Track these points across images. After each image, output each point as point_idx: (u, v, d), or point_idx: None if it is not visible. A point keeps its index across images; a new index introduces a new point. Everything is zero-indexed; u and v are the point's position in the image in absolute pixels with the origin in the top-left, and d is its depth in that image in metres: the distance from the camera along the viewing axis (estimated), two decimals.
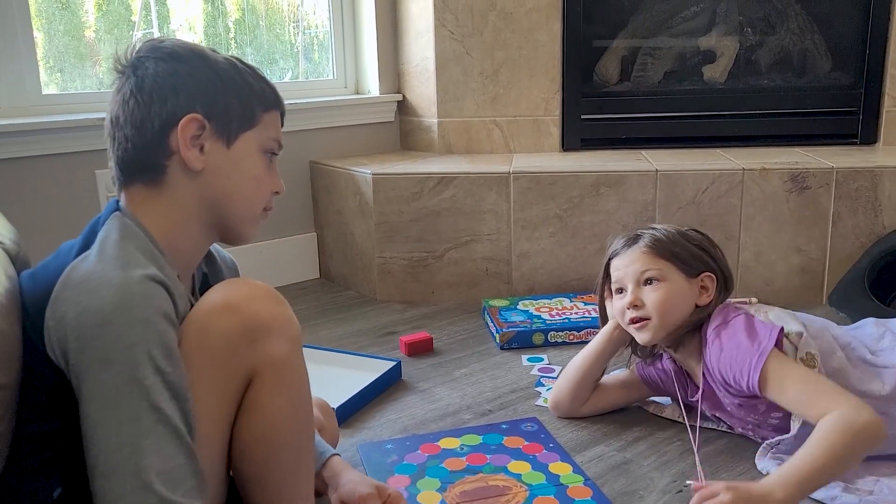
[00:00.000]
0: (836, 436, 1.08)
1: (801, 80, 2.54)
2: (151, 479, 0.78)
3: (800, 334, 1.24)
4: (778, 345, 1.22)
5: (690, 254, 1.33)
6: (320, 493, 1.15)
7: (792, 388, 1.18)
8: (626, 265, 1.34)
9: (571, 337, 1.90)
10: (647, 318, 1.31)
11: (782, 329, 1.23)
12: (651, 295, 1.31)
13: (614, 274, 1.37)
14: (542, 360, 1.81)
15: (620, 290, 1.36)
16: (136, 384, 0.79)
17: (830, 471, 1.08)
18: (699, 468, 1.28)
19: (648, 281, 1.32)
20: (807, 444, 1.10)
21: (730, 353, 1.24)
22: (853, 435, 1.08)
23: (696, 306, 1.32)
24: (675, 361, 1.41)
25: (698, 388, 1.36)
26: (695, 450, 1.33)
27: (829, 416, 1.11)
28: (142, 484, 0.77)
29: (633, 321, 1.33)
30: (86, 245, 0.88)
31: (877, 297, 1.95)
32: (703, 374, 1.31)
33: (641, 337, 1.34)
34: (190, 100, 0.92)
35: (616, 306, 1.37)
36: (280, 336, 0.90)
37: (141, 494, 0.77)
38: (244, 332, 0.88)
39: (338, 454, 1.14)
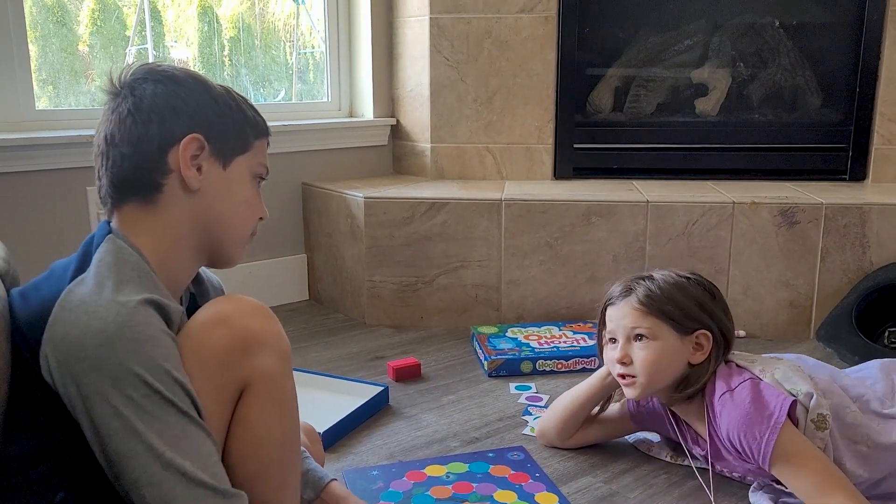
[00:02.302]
0: None
1: (791, 116, 2.57)
2: (199, 475, 0.81)
3: (809, 395, 1.22)
4: (789, 412, 1.21)
5: (684, 311, 1.29)
6: None
7: (803, 477, 1.18)
8: (619, 318, 1.32)
9: (560, 366, 1.90)
10: (635, 376, 1.30)
11: (795, 402, 1.22)
12: (639, 353, 1.29)
13: (608, 323, 1.35)
14: (529, 388, 1.80)
15: (613, 340, 1.34)
16: (159, 395, 0.81)
17: None
18: None
19: (639, 337, 1.30)
20: None
21: (739, 425, 1.21)
22: None
23: (690, 364, 1.30)
24: (666, 407, 1.40)
25: (698, 436, 1.35)
26: (711, 499, 1.31)
27: None
28: (192, 481, 0.80)
29: (621, 376, 1.32)
30: (82, 266, 0.88)
31: (864, 334, 1.96)
32: (711, 436, 1.30)
33: (629, 393, 1.32)
34: (189, 120, 0.93)
35: (608, 356, 1.35)
36: (271, 350, 0.92)
37: (195, 491, 0.80)
38: (237, 345, 0.89)
39: (336, 479, 1.13)
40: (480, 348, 1.96)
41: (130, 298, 0.83)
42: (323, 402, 1.68)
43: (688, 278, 1.34)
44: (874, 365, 1.40)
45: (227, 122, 0.97)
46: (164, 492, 0.80)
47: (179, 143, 0.92)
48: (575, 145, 2.47)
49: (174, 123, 0.93)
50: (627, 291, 1.33)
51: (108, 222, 0.95)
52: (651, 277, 1.34)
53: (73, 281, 0.86)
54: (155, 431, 0.80)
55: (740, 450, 1.23)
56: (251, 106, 1.01)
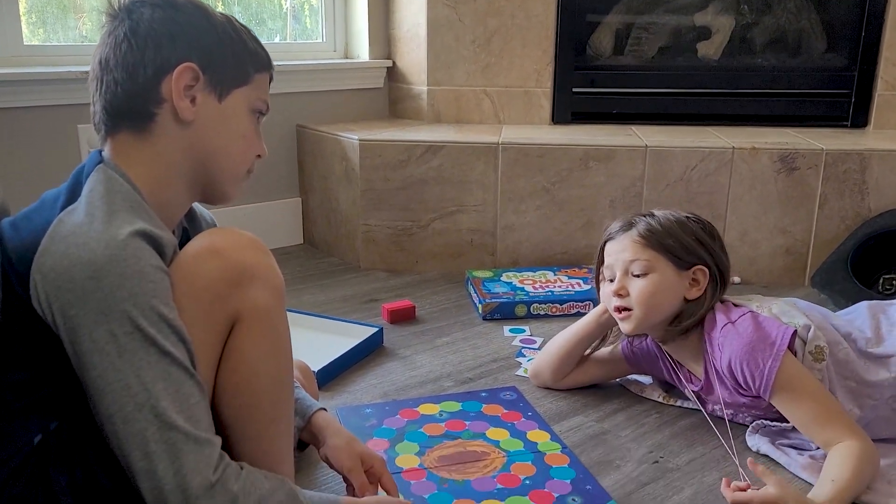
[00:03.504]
0: (862, 465, 1.13)
1: (795, 61, 2.52)
2: (173, 417, 0.80)
3: (807, 327, 1.23)
4: (788, 343, 1.21)
5: (683, 246, 1.29)
6: (308, 444, 1.14)
7: (805, 406, 1.19)
8: (617, 252, 1.32)
9: (554, 310, 1.89)
10: (630, 309, 1.30)
11: (795, 332, 1.22)
12: (636, 285, 1.29)
13: (606, 259, 1.34)
14: (523, 331, 1.80)
15: (611, 274, 1.34)
16: (142, 333, 0.80)
17: (857, 497, 1.13)
18: (739, 467, 1.24)
19: (636, 271, 1.30)
20: (842, 468, 1.12)
21: (742, 353, 1.21)
22: (873, 466, 1.15)
23: (686, 300, 1.30)
24: (660, 347, 1.40)
25: (691, 374, 1.35)
26: (731, 440, 1.30)
27: (853, 446, 1.14)
28: (164, 424, 0.80)
29: (617, 310, 1.32)
30: (72, 197, 0.87)
31: (859, 280, 1.96)
32: (707, 371, 1.30)
33: (624, 327, 1.32)
34: (186, 49, 0.91)
35: (604, 291, 1.35)
36: (264, 284, 0.90)
37: (166, 434, 0.80)
38: (229, 277, 0.88)
39: (324, 408, 1.13)
40: (475, 292, 1.95)
41: (121, 230, 0.82)
42: (317, 341, 1.68)
43: (688, 217, 1.34)
44: (862, 306, 1.41)
45: (227, 53, 0.94)
46: (135, 431, 0.79)
47: (173, 71, 0.90)
48: (574, 89, 2.43)
49: (170, 51, 0.90)
50: (628, 226, 1.33)
51: (100, 152, 0.93)
52: (652, 214, 1.34)
53: (63, 211, 0.85)
54: (134, 370, 0.80)
55: (741, 380, 1.24)
56: (254, 37, 0.98)
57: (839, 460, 1.14)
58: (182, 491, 0.79)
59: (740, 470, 1.21)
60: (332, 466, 1.08)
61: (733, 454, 1.25)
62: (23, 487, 0.84)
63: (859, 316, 1.39)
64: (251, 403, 0.92)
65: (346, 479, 1.07)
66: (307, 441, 1.13)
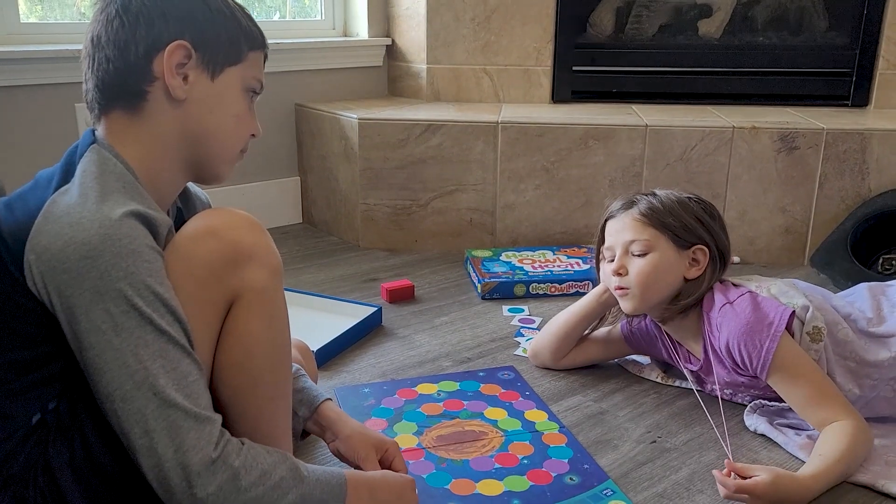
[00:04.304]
0: (853, 442, 1.14)
1: (796, 39, 2.50)
2: (172, 395, 0.80)
3: (805, 308, 1.23)
4: (787, 324, 1.21)
5: (684, 225, 1.29)
6: (310, 433, 1.13)
7: (800, 387, 1.20)
8: (618, 231, 1.32)
9: (553, 289, 1.90)
10: (629, 288, 1.30)
11: (793, 312, 1.22)
12: (636, 265, 1.29)
13: (607, 238, 1.34)
14: (522, 311, 1.81)
15: (612, 254, 1.34)
16: (138, 312, 0.80)
17: (848, 474, 1.15)
18: (727, 446, 1.24)
19: (636, 251, 1.30)
20: (831, 444, 1.14)
21: (740, 334, 1.21)
22: (866, 445, 1.17)
23: (686, 279, 1.30)
24: (659, 327, 1.40)
25: (690, 354, 1.35)
26: (724, 425, 1.29)
27: (846, 424, 1.16)
28: (163, 401, 0.80)
29: (617, 289, 1.32)
30: (66, 177, 0.87)
31: (858, 260, 1.96)
32: (706, 351, 1.31)
33: (624, 305, 1.32)
34: (178, 26, 0.90)
35: (605, 270, 1.35)
36: (260, 264, 0.90)
37: (166, 411, 0.80)
38: (226, 258, 0.88)
39: (331, 398, 1.13)
40: (474, 271, 1.95)
41: (115, 210, 0.82)
42: (316, 321, 1.69)
43: (689, 197, 1.34)
44: (862, 287, 1.41)
45: (220, 30, 0.93)
46: (135, 409, 0.80)
47: (165, 49, 0.89)
48: (574, 68, 2.42)
49: (162, 28, 0.89)
50: (629, 204, 1.33)
51: (93, 131, 0.92)
52: (653, 193, 1.34)
53: (56, 191, 0.85)
54: (131, 348, 0.80)
55: (739, 361, 1.24)
56: (247, 15, 0.97)
57: (830, 438, 1.15)
58: (183, 468, 0.79)
59: (727, 452, 1.21)
60: (343, 459, 1.08)
61: (725, 441, 1.25)
62: (21, 467, 0.85)
63: (859, 297, 1.38)
64: (249, 383, 0.93)
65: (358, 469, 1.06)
66: (312, 432, 1.12)
